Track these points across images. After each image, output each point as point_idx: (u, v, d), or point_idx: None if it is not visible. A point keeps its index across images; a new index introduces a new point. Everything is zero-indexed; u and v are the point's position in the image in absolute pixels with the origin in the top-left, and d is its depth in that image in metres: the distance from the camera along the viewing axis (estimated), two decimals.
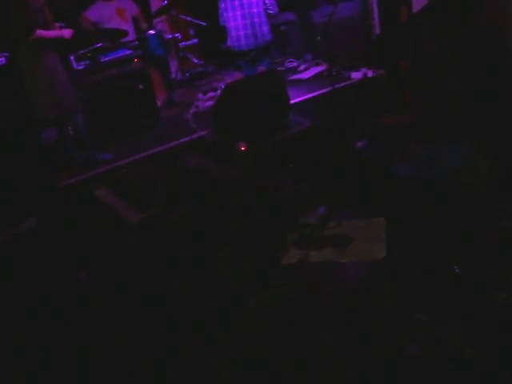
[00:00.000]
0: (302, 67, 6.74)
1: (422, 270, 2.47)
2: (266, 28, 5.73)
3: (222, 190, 3.54)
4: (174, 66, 6.75)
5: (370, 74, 6.01)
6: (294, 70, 6.73)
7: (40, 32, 4.29)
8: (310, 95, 5.66)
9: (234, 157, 4.17)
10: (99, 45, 5.55)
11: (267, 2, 5.67)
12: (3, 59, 5.37)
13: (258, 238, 2.94)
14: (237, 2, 5.61)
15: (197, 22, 6.30)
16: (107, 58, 5.49)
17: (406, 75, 5.34)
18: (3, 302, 2.99)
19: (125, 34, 5.87)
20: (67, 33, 4.51)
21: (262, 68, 5.93)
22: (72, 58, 5.32)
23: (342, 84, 5.82)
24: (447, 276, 2.41)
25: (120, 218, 3.41)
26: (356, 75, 6.04)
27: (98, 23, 5.94)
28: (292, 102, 5.12)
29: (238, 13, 5.64)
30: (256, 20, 5.65)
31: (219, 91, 6.08)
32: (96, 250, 3.28)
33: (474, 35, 4.66)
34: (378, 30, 6.70)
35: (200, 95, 6.15)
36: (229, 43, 5.81)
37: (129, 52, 5.63)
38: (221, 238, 3.02)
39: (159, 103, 6.05)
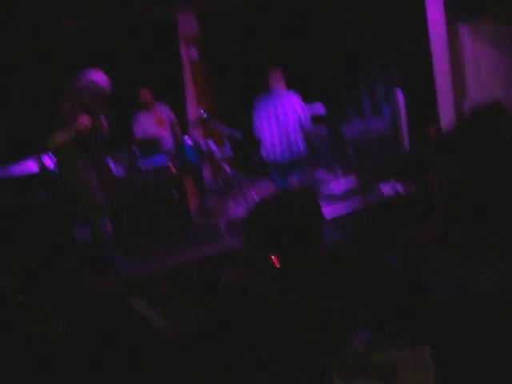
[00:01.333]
0: (332, 180, 6.86)
1: None
2: (300, 142, 5.90)
3: (257, 306, 3.47)
4: (207, 174, 6.93)
5: (400, 188, 6.08)
6: (325, 183, 6.84)
7: (58, 136, 4.47)
8: (342, 210, 5.70)
9: (266, 271, 4.13)
10: (138, 152, 5.78)
11: (302, 117, 5.87)
12: (50, 161, 5.63)
13: (296, 364, 2.83)
14: (273, 117, 5.83)
15: (232, 133, 6.53)
16: (145, 165, 5.67)
17: (436, 190, 5.39)
18: None
19: (163, 140, 6.14)
20: (85, 120, 4.48)
21: (293, 180, 6.03)
22: (111, 161, 5.52)
23: (373, 198, 5.89)
24: None
25: (155, 331, 3.33)
26: (387, 190, 6.12)
27: (143, 136, 6.24)
28: (324, 216, 5.14)
29: (274, 126, 5.84)
30: (291, 134, 5.83)
31: (251, 201, 6.19)
32: (126, 364, 3.19)
33: (502, 158, 4.75)
34: (407, 146, 6.87)
35: (232, 204, 6.26)
36: (263, 155, 5.97)
37: (166, 160, 5.81)
38: (257, 361, 2.92)
39: (192, 210, 6.15)
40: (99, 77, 4.58)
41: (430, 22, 5.98)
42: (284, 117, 5.78)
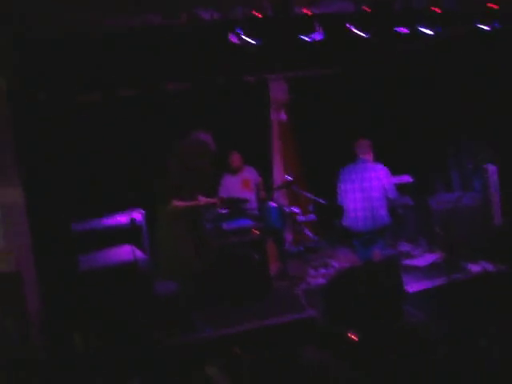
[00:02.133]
0: (416, 252, 6.67)
1: None
2: (383, 211, 5.77)
3: None
4: (288, 237, 6.95)
5: (490, 267, 5.79)
6: (407, 254, 6.66)
7: (176, 202, 4.64)
8: (425, 285, 5.50)
9: (343, 347, 4.02)
10: (223, 211, 5.92)
11: (387, 186, 5.78)
12: (140, 216, 5.87)
13: None
14: (357, 185, 5.78)
15: (317, 199, 6.53)
16: (228, 226, 5.79)
17: None
18: None
19: (246, 201, 6.27)
20: (202, 201, 4.87)
21: (376, 250, 5.89)
22: None
23: (460, 276, 5.64)
24: None
25: None
26: (474, 268, 5.84)
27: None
28: (406, 292, 4.98)
29: (358, 195, 5.78)
30: (375, 203, 5.73)
31: (330, 269, 6.12)
32: None
33: None
34: (498, 221, 6.56)
35: (311, 271, 6.21)
36: (346, 223, 5.90)
37: (250, 223, 5.90)
38: None
39: (271, 273, 6.16)
40: (206, 137, 4.79)
41: None
42: (369, 189, 5.71)
